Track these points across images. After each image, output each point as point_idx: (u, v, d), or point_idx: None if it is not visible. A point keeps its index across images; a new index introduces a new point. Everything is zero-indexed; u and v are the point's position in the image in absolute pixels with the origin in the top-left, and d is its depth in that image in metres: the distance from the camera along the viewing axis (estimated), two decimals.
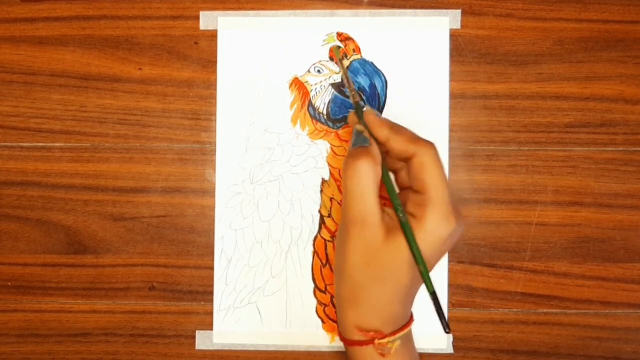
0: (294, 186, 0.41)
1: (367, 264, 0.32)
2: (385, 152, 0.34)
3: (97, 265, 0.42)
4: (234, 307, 0.41)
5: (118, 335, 0.42)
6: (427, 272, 0.32)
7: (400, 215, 0.32)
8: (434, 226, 0.31)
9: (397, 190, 0.35)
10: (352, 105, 0.36)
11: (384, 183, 0.33)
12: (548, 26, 0.41)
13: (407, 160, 0.33)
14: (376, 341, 0.33)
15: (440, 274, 0.41)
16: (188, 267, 0.42)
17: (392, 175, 0.35)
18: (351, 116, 0.35)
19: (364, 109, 0.35)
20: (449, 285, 0.41)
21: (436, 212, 0.31)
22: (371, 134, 0.34)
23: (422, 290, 0.34)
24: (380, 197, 0.33)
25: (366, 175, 0.32)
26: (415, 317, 0.35)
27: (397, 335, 0.33)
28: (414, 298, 0.35)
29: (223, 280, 0.41)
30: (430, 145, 0.33)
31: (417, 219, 0.32)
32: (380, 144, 0.34)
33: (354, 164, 0.32)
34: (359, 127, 0.34)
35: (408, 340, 0.35)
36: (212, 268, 0.41)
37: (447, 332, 0.33)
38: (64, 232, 0.42)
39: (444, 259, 0.41)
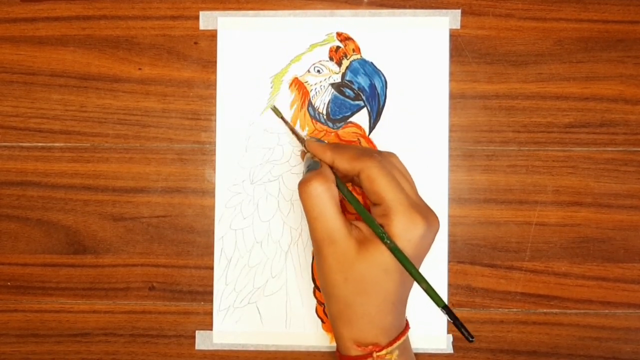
0: (294, 186, 0.41)
1: (345, 280, 0.32)
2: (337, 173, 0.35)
3: (97, 265, 0.42)
4: (234, 307, 0.41)
5: (118, 335, 0.42)
6: (420, 274, 0.32)
7: (370, 222, 0.32)
8: (402, 230, 0.31)
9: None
10: (298, 141, 0.39)
11: (347, 198, 0.34)
12: (548, 26, 0.41)
13: (356, 177, 0.34)
14: (375, 354, 0.33)
15: (440, 274, 0.41)
16: (188, 267, 0.42)
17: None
18: (302, 154, 0.37)
19: (305, 139, 0.37)
20: (449, 285, 0.41)
21: (400, 217, 0.32)
22: (319, 159, 0.35)
23: (420, 291, 0.34)
24: (349, 213, 0.33)
25: (321, 195, 0.32)
26: (413, 316, 0.35)
27: (394, 345, 0.33)
28: (404, 306, 0.35)
29: (223, 280, 0.41)
30: (373, 158, 0.33)
31: (385, 228, 0.32)
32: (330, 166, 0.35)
33: (305, 187, 0.33)
34: (309, 155, 0.36)
35: (405, 349, 0.35)
36: (212, 268, 0.41)
37: (470, 341, 0.32)
38: (64, 232, 0.42)
39: (444, 259, 0.41)
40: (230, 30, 0.42)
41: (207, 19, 0.42)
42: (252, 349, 0.41)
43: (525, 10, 0.41)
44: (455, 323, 0.31)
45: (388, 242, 0.31)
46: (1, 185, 0.42)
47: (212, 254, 0.41)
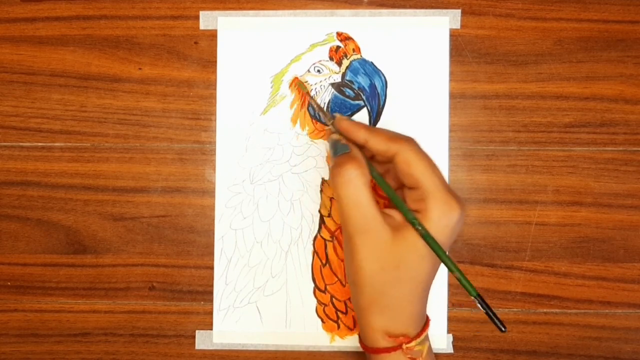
0: (294, 186, 0.41)
1: (382, 269, 0.32)
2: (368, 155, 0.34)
3: (97, 265, 0.42)
4: (234, 307, 0.41)
5: (118, 335, 0.42)
6: (454, 264, 0.32)
7: (402, 207, 0.32)
8: (440, 216, 0.31)
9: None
10: (323, 119, 0.36)
11: (378, 183, 0.33)
12: (548, 26, 0.41)
13: (390, 159, 0.33)
14: (404, 346, 0.32)
15: (440, 274, 0.41)
16: (188, 267, 0.42)
17: None
18: (326, 133, 0.35)
19: (335, 116, 0.35)
20: (449, 285, 0.41)
21: (438, 202, 0.31)
22: (349, 140, 0.34)
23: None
24: (379, 197, 0.32)
25: (356, 181, 0.31)
26: None
27: (422, 335, 0.33)
28: (428, 294, 0.35)
29: (223, 280, 0.41)
30: (409, 140, 0.32)
31: (421, 214, 0.31)
32: (360, 147, 0.34)
33: (340, 172, 0.32)
34: (334, 136, 0.34)
35: (428, 340, 0.35)
36: (212, 268, 0.41)
37: (503, 331, 0.31)
38: (64, 232, 0.42)
39: None
40: (230, 30, 0.42)
41: (207, 19, 0.42)
42: (252, 348, 0.41)
43: (525, 10, 0.41)
44: (488, 313, 0.31)
45: (419, 228, 0.31)
46: (1, 185, 0.42)
47: (212, 254, 0.41)
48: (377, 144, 0.33)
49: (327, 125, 0.35)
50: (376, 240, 0.32)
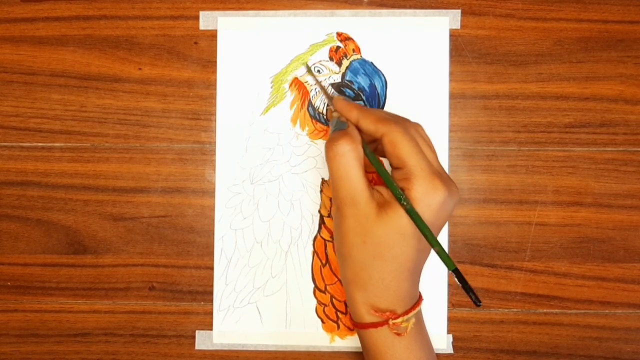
0: (294, 186, 0.41)
1: (363, 242, 0.33)
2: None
3: (97, 265, 0.42)
4: (234, 307, 0.41)
5: (118, 335, 0.42)
6: (434, 237, 0.32)
7: (390, 184, 0.32)
8: (422, 195, 0.31)
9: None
10: (326, 99, 0.39)
11: (369, 159, 0.34)
12: (548, 26, 0.41)
13: (379, 140, 0.34)
14: (390, 321, 0.33)
15: (440, 274, 0.41)
16: (188, 267, 0.42)
17: None
18: (329, 113, 0.37)
19: (334, 97, 0.36)
20: (449, 285, 0.41)
21: (421, 181, 0.32)
22: (345, 119, 0.35)
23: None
24: (369, 172, 0.33)
25: (347, 155, 0.32)
26: None
27: (411, 313, 0.33)
28: (419, 276, 0.35)
29: (223, 280, 0.41)
30: (399, 122, 0.33)
31: (405, 192, 0.32)
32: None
33: (333, 146, 0.33)
34: (335, 114, 0.36)
35: (419, 320, 0.35)
36: (212, 268, 0.41)
37: (478, 306, 0.32)
38: (64, 232, 0.42)
39: None
40: (230, 30, 0.42)
41: (207, 19, 0.42)
42: (252, 349, 0.41)
43: (525, 10, 0.41)
44: (464, 287, 0.32)
45: (405, 204, 0.32)
46: (1, 185, 0.42)
47: (212, 254, 0.41)
48: (367, 125, 0.34)
49: (331, 104, 0.37)
50: (361, 213, 0.32)
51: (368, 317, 0.34)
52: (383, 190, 0.33)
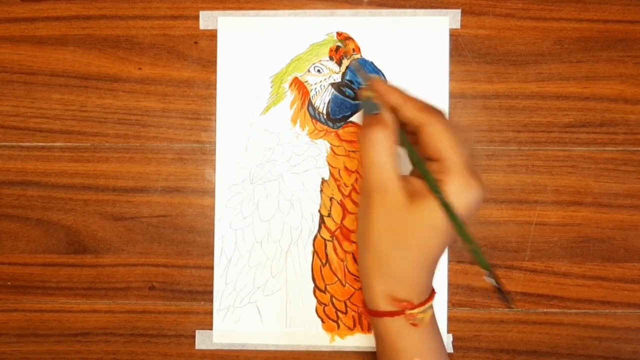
0: (294, 186, 0.41)
1: (391, 231, 0.32)
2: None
3: (97, 265, 0.42)
4: (234, 307, 0.41)
5: (118, 335, 0.42)
6: (468, 235, 0.32)
7: (427, 176, 0.32)
8: (457, 192, 0.31)
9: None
10: (361, 78, 0.37)
11: (405, 148, 0.34)
12: (548, 26, 0.41)
13: (417, 129, 0.33)
14: (407, 311, 0.33)
15: (440, 274, 0.41)
16: (188, 267, 0.42)
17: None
18: (360, 92, 0.36)
19: (372, 76, 0.35)
20: (449, 285, 0.41)
21: (457, 178, 0.31)
22: (383, 102, 0.34)
23: None
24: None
25: (381, 142, 0.32)
26: None
27: (428, 304, 0.33)
28: (435, 269, 0.35)
29: (223, 280, 0.41)
30: (441, 113, 0.33)
31: (439, 186, 0.32)
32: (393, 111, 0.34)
33: (367, 133, 0.32)
34: (368, 92, 0.34)
35: (434, 314, 0.35)
36: (212, 268, 0.41)
37: (511, 308, 0.32)
38: (64, 232, 0.42)
39: (444, 259, 0.41)
40: (230, 30, 0.42)
41: (207, 19, 0.42)
42: (252, 348, 0.41)
43: (525, 10, 0.41)
44: (499, 289, 0.32)
45: (440, 196, 0.31)
46: (1, 185, 0.42)
47: (212, 253, 0.41)
48: (408, 112, 0.33)
49: (366, 84, 0.36)
50: (391, 202, 0.32)
51: (384, 305, 0.34)
52: (413, 180, 0.33)
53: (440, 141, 0.32)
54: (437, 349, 0.34)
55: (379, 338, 0.35)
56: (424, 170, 0.32)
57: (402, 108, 0.33)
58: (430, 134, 0.32)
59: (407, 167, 0.35)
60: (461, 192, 0.31)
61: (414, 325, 0.33)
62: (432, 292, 0.35)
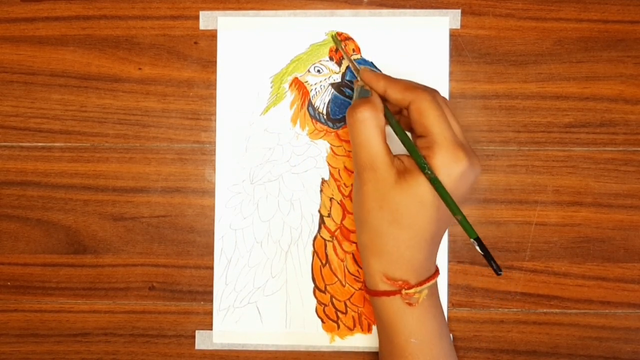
0: (294, 186, 0.41)
1: (380, 208, 0.33)
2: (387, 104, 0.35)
3: (97, 265, 0.42)
4: (234, 307, 0.41)
5: (118, 335, 0.42)
6: (456, 205, 0.32)
7: (413, 151, 0.32)
8: (444, 163, 0.32)
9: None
10: (353, 70, 0.39)
11: (392, 127, 0.34)
12: (548, 26, 0.41)
13: (407, 108, 0.34)
14: (403, 291, 0.33)
15: (440, 276, 0.41)
16: (188, 267, 0.42)
17: None
18: (355, 84, 0.37)
19: (361, 68, 0.37)
20: (449, 285, 0.41)
21: (443, 152, 0.32)
22: (372, 89, 0.35)
23: None
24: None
25: (368, 121, 0.33)
26: None
27: (424, 285, 0.33)
28: (436, 248, 0.35)
29: (223, 280, 0.41)
30: (426, 90, 0.33)
31: (426, 160, 0.32)
32: (382, 97, 0.35)
33: (354, 113, 0.33)
34: (359, 83, 0.36)
35: (433, 294, 0.35)
36: (212, 268, 0.41)
37: (499, 274, 0.32)
38: (64, 232, 0.42)
39: (444, 259, 0.41)
40: (230, 30, 0.42)
41: (207, 19, 0.42)
42: (252, 348, 0.41)
43: (525, 10, 0.41)
44: (486, 256, 0.32)
45: (428, 172, 0.32)
46: (1, 185, 0.42)
47: (212, 254, 0.41)
48: (395, 93, 0.34)
49: (357, 75, 0.37)
50: (380, 179, 0.32)
51: (382, 285, 0.34)
52: (404, 158, 0.34)
53: (426, 117, 0.32)
54: (437, 331, 0.34)
55: (378, 317, 0.36)
56: (410, 145, 0.33)
57: (388, 90, 0.34)
58: (416, 110, 0.33)
59: (399, 149, 0.35)
60: (448, 165, 0.32)
61: (410, 304, 0.33)
62: (434, 273, 0.35)
